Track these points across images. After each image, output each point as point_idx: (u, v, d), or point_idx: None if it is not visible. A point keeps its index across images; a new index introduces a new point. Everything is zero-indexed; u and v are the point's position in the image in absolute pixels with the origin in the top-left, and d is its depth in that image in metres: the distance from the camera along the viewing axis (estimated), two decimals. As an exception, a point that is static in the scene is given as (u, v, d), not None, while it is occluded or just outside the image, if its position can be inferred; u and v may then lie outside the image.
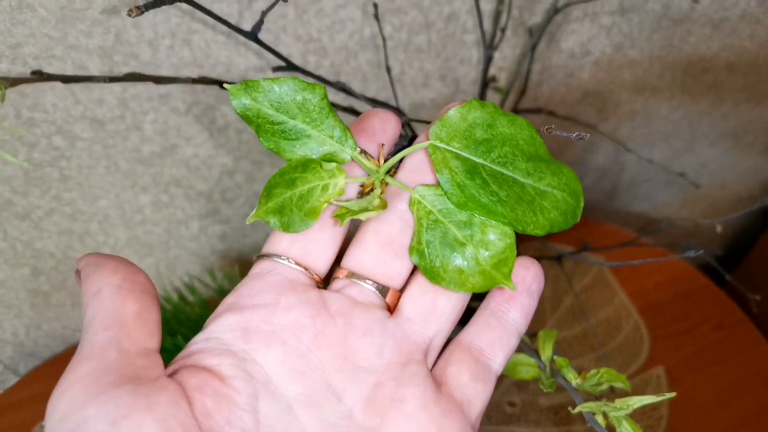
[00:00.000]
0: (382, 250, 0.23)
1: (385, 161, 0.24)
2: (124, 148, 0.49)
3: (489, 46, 0.43)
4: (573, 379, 0.24)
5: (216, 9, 0.43)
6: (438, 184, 0.23)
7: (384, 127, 0.24)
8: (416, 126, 0.50)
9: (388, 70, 0.40)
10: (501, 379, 0.57)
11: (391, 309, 0.23)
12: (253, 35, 0.28)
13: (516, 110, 0.50)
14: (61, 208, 0.51)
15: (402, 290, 0.24)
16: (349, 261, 0.24)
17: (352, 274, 0.23)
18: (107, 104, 0.46)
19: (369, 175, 0.24)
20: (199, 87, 0.48)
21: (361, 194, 0.24)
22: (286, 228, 0.23)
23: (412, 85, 0.55)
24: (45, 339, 0.61)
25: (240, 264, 0.62)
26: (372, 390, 0.21)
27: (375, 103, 0.31)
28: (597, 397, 0.23)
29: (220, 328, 0.22)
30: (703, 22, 0.61)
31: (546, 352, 0.25)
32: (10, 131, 0.17)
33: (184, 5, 0.42)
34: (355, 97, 0.31)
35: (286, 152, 0.23)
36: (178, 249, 0.60)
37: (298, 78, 0.22)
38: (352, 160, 0.23)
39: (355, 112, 0.40)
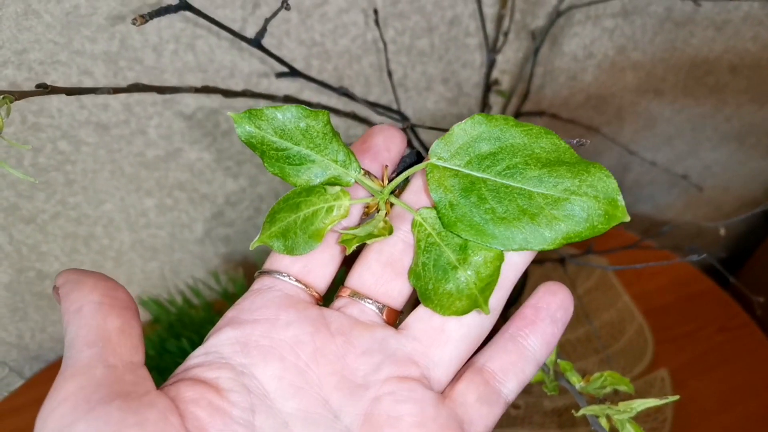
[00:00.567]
0: (384, 270, 0.23)
1: (389, 181, 0.24)
2: (128, 153, 0.50)
3: (492, 50, 0.43)
4: (577, 382, 0.24)
5: (219, 15, 0.44)
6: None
7: (388, 146, 0.24)
8: (419, 131, 0.50)
9: (390, 74, 0.41)
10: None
11: (392, 329, 0.23)
12: (256, 42, 0.28)
13: (518, 113, 0.50)
14: (66, 212, 0.52)
15: (402, 311, 0.24)
16: (352, 280, 0.24)
17: (353, 293, 0.24)
18: (112, 109, 0.47)
19: (373, 195, 0.24)
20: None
21: (366, 215, 0.24)
22: (290, 251, 0.23)
23: (414, 89, 0.55)
24: (50, 342, 0.61)
25: (244, 267, 0.62)
26: (369, 407, 0.21)
27: (378, 107, 0.31)
28: (600, 400, 0.23)
29: (220, 341, 0.22)
30: (705, 24, 0.61)
31: (550, 355, 0.25)
32: (14, 145, 0.18)
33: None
34: (359, 103, 0.31)
35: (290, 177, 0.23)
36: (182, 252, 0.60)
37: (301, 105, 0.22)
38: (357, 182, 0.23)
39: (358, 118, 0.40)
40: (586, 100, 0.64)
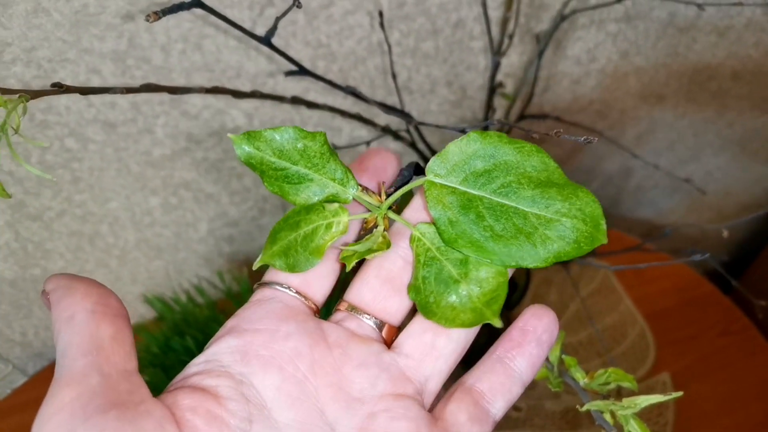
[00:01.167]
0: (383, 286, 0.24)
1: (387, 196, 0.24)
2: (135, 151, 0.50)
3: (497, 53, 0.44)
4: (581, 378, 0.24)
5: (228, 16, 0.44)
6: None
7: (385, 167, 0.25)
8: (424, 133, 0.50)
9: (394, 76, 0.41)
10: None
11: (388, 344, 0.24)
12: (266, 40, 0.28)
13: (522, 116, 0.50)
14: (72, 210, 0.52)
15: (400, 327, 0.24)
16: (351, 295, 0.24)
17: (352, 308, 0.24)
18: (119, 107, 0.47)
19: (371, 211, 0.24)
20: (210, 91, 0.48)
21: (364, 230, 0.25)
22: (292, 269, 0.23)
23: (419, 91, 0.56)
24: (53, 340, 0.62)
25: (248, 266, 0.62)
26: (364, 421, 0.22)
27: (385, 107, 0.31)
28: (604, 397, 0.23)
29: (220, 350, 0.22)
30: (708, 30, 0.62)
31: (554, 352, 0.25)
32: (31, 143, 0.18)
33: (197, 10, 0.43)
34: (365, 102, 0.32)
35: (290, 195, 0.23)
36: (187, 251, 0.60)
37: (298, 127, 0.23)
38: (355, 199, 0.24)
39: (363, 119, 0.40)
40: (589, 104, 0.64)
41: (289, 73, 0.32)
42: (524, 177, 0.22)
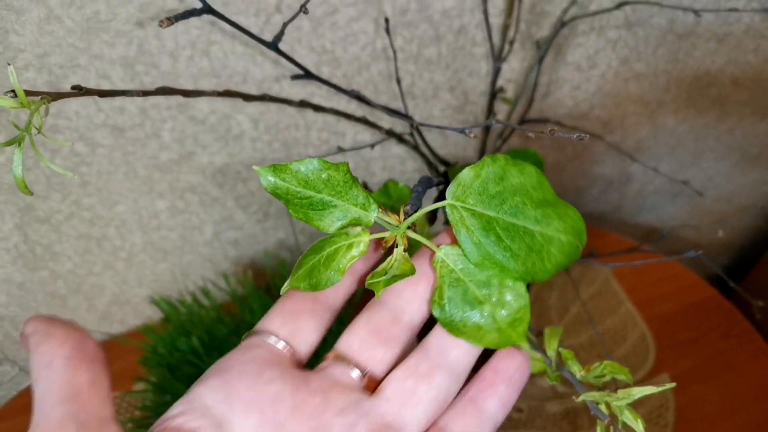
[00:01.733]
0: (370, 336, 0.25)
1: (406, 216, 0.25)
2: (142, 155, 0.51)
3: (497, 59, 0.45)
4: (578, 371, 0.25)
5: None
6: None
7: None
8: (426, 133, 0.51)
9: (398, 81, 0.42)
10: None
11: (372, 391, 0.25)
12: (274, 45, 0.29)
13: (523, 121, 0.51)
14: (80, 213, 0.53)
15: (383, 378, 0.25)
16: (339, 344, 0.25)
17: (338, 356, 0.25)
18: (128, 112, 0.48)
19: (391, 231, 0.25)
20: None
21: (384, 249, 0.26)
22: (315, 287, 0.24)
23: (422, 97, 0.57)
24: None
25: (252, 269, 0.63)
26: None
27: (387, 110, 0.32)
28: (600, 388, 0.24)
29: (204, 392, 0.23)
30: (707, 36, 0.63)
31: (552, 346, 0.26)
32: (55, 142, 0.19)
33: (204, 16, 0.44)
34: (368, 104, 0.33)
35: (314, 221, 0.24)
36: (192, 254, 0.61)
37: (323, 159, 0.24)
38: (376, 222, 0.25)
39: (368, 122, 0.41)
40: (590, 110, 0.65)
41: (295, 77, 0.33)
42: (527, 197, 0.24)
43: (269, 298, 0.52)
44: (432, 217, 0.35)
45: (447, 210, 0.24)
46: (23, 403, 0.59)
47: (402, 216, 0.25)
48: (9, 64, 0.21)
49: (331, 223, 0.24)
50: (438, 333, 0.25)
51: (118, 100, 0.47)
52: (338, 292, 0.27)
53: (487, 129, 0.49)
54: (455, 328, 0.24)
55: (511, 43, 0.45)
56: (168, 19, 0.24)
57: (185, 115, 0.50)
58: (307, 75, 0.32)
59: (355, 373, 0.24)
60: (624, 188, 0.78)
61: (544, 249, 0.23)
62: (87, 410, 0.20)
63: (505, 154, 0.24)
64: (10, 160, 0.47)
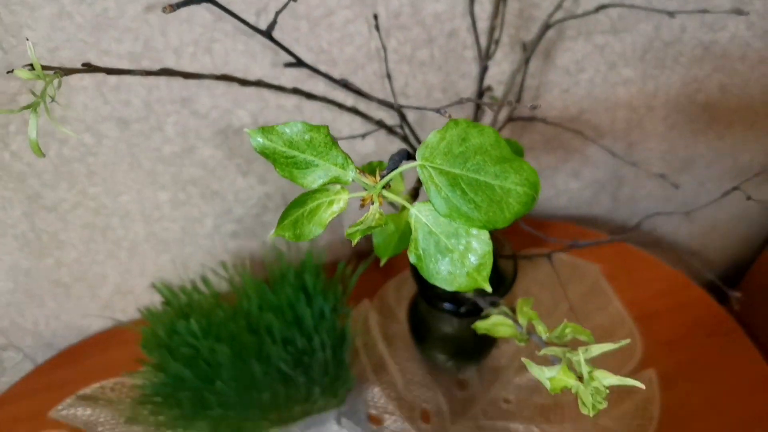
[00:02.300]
0: None
1: (381, 177, 0.28)
2: (146, 147, 0.53)
3: (485, 57, 0.47)
4: (543, 332, 0.26)
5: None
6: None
7: None
8: (415, 126, 0.53)
9: (389, 76, 0.44)
10: (498, 376, 0.59)
11: None
12: (267, 34, 0.32)
13: (510, 119, 0.53)
14: (86, 202, 0.55)
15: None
16: None
17: None
18: (133, 106, 0.50)
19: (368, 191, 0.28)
20: (218, 92, 0.52)
21: (362, 207, 0.28)
22: (298, 238, 0.27)
23: (415, 97, 0.59)
24: (63, 330, 0.64)
25: (251, 261, 0.65)
26: None
27: (372, 98, 0.34)
28: (563, 346, 0.25)
29: None
30: (693, 44, 0.65)
31: (522, 314, 0.28)
32: (64, 131, 0.21)
33: (207, 15, 0.47)
34: (356, 93, 0.35)
35: (298, 179, 0.27)
36: (193, 246, 0.63)
37: (305, 122, 0.27)
38: (354, 180, 0.28)
39: (359, 112, 0.43)
40: (580, 113, 0.67)
41: (288, 64, 0.35)
42: (487, 155, 0.27)
43: (266, 286, 0.54)
44: (415, 194, 0.37)
45: (418, 170, 0.27)
46: (27, 388, 0.61)
47: (378, 178, 0.27)
48: (27, 39, 0.23)
49: (313, 180, 0.27)
50: None
51: (123, 94, 0.50)
52: None
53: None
54: (431, 275, 0.27)
55: (497, 42, 0.47)
56: (171, 5, 0.27)
57: (188, 109, 0.52)
58: (299, 63, 0.34)
59: None
60: (615, 192, 0.80)
61: (504, 200, 0.26)
62: None
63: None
64: (17, 152, 0.50)
